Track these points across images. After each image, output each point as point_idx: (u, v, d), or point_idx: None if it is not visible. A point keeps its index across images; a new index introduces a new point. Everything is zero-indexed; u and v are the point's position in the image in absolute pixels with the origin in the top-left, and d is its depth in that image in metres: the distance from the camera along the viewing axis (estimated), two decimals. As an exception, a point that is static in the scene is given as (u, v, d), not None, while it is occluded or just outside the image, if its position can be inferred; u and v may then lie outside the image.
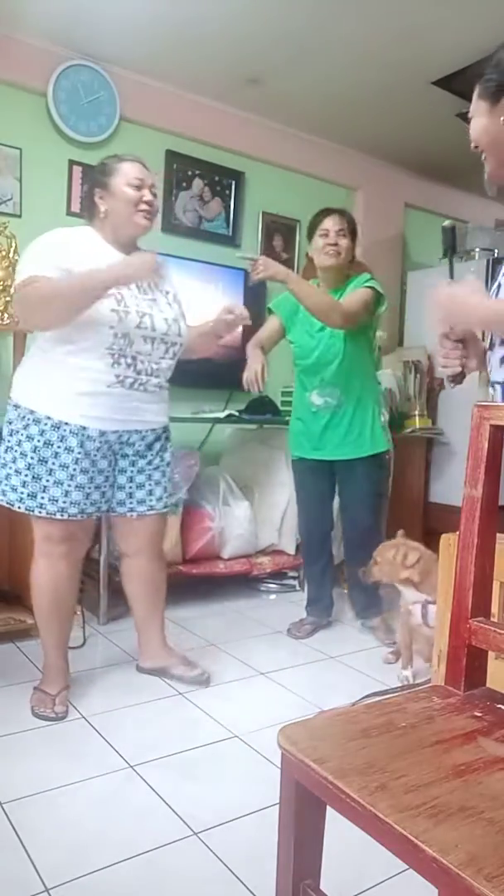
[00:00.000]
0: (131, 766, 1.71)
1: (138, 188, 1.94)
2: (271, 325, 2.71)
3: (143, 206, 1.95)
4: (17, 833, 1.44)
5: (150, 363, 1.98)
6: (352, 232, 2.57)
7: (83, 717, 1.96)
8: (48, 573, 1.97)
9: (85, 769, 1.68)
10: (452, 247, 1.53)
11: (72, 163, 3.23)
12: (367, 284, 2.53)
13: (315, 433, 2.62)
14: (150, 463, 2.10)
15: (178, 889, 1.30)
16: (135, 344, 1.92)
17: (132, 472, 2.08)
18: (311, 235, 2.59)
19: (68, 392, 1.88)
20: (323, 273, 2.59)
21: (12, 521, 2.68)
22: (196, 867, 1.36)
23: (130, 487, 2.08)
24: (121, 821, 1.50)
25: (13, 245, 2.83)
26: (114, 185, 1.94)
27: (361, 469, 2.65)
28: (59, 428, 1.88)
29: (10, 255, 2.82)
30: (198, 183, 3.64)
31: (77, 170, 3.24)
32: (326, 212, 2.57)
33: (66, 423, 1.88)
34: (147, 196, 1.96)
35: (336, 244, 2.51)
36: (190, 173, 3.60)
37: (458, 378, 1.43)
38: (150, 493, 2.11)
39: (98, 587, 2.78)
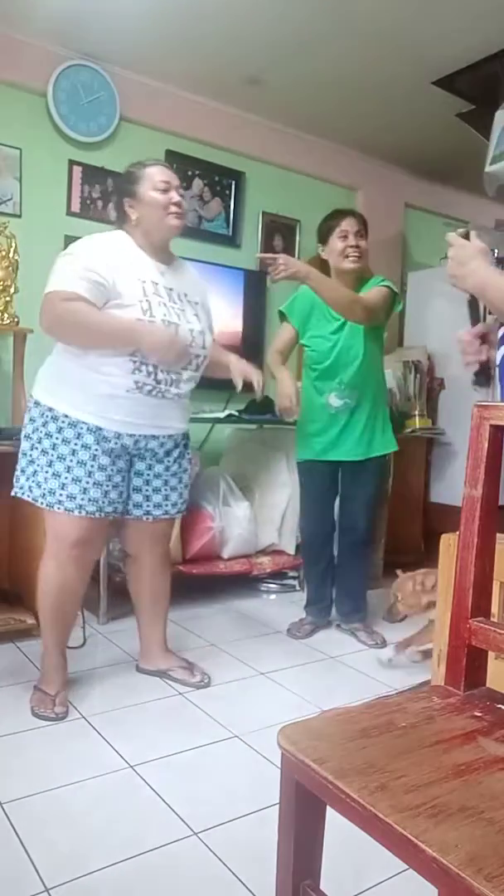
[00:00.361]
0: (131, 766, 1.71)
1: (165, 191, 1.96)
2: (286, 333, 2.65)
3: (173, 209, 1.96)
4: (17, 833, 1.44)
5: (170, 373, 1.97)
6: (366, 232, 2.55)
7: (83, 717, 1.96)
8: (56, 575, 1.96)
9: (85, 769, 1.68)
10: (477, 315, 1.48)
11: (72, 163, 3.23)
12: (383, 284, 2.52)
13: (331, 436, 2.57)
14: (167, 469, 2.10)
15: (178, 889, 1.30)
16: None
17: (149, 475, 2.08)
18: (325, 238, 2.55)
19: (87, 393, 1.89)
20: (341, 276, 2.54)
21: (13, 521, 2.69)
22: (196, 867, 1.36)
23: (147, 491, 2.09)
24: (121, 821, 1.50)
25: (13, 245, 2.82)
26: (141, 192, 1.95)
27: (370, 470, 2.63)
28: (75, 426, 1.89)
29: (10, 255, 2.82)
30: (198, 183, 3.64)
31: (77, 170, 3.25)
32: (341, 213, 2.54)
33: (83, 423, 1.89)
34: (175, 197, 1.97)
35: (358, 246, 2.49)
36: (190, 173, 3.60)
37: (483, 374, 1.42)
38: (167, 497, 2.12)
39: (98, 587, 2.78)
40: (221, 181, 3.71)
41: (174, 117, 3.48)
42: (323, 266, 2.60)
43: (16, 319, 2.81)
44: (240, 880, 1.32)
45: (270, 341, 3.77)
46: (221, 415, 3.21)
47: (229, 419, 3.21)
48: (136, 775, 1.68)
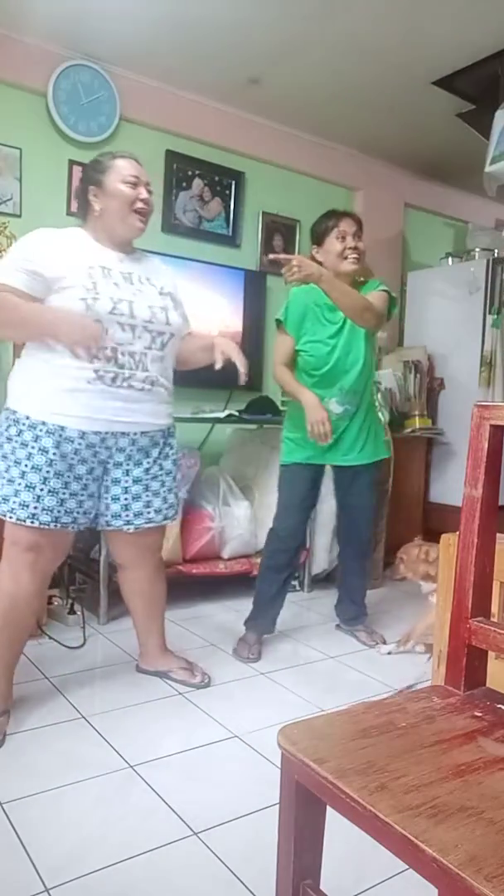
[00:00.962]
0: (131, 766, 1.71)
1: (133, 185, 1.87)
2: (287, 343, 2.50)
3: (139, 205, 1.87)
4: (17, 833, 1.44)
5: (132, 356, 1.85)
6: (362, 233, 2.50)
7: (83, 717, 1.96)
8: (9, 582, 1.83)
9: (85, 769, 1.68)
10: None
11: (72, 163, 3.23)
12: (382, 289, 2.48)
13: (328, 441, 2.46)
14: (147, 472, 1.97)
15: (178, 889, 1.30)
16: (110, 332, 1.80)
17: (127, 482, 1.95)
18: (321, 238, 2.48)
19: (48, 390, 1.79)
20: (338, 278, 2.39)
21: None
22: (196, 867, 1.36)
23: (126, 499, 1.96)
24: (121, 821, 1.50)
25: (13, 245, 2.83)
26: (108, 183, 1.86)
27: (368, 475, 2.59)
28: (34, 428, 1.78)
29: (10, 255, 2.82)
30: (198, 183, 3.64)
31: (77, 170, 3.24)
32: (338, 214, 2.48)
33: (44, 423, 1.78)
34: (143, 194, 1.88)
35: (356, 248, 2.43)
36: (190, 173, 3.60)
37: None
38: (148, 504, 1.99)
39: (98, 587, 2.78)
40: (221, 181, 3.71)
41: (174, 117, 3.48)
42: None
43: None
44: (240, 880, 1.32)
45: (271, 341, 3.79)
46: (221, 415, 3.21)
47: (229, 419, 3.21)
48: (136, 775, 1.68)
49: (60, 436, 1.80)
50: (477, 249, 4.00)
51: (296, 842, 0.91)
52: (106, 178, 1.87)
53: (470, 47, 2.96)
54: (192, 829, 1.47)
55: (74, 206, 3.21)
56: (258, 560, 3.19)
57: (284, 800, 0.91)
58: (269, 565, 2.58)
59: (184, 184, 3.59)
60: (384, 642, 2.62)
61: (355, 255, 2.45)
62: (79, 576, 2.98)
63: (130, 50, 3.11)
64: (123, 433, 1.89)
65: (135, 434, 1.92)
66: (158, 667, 2.24)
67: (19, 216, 3.09)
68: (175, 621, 2.74)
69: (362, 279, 2.57)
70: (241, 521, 3.12)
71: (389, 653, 2.54)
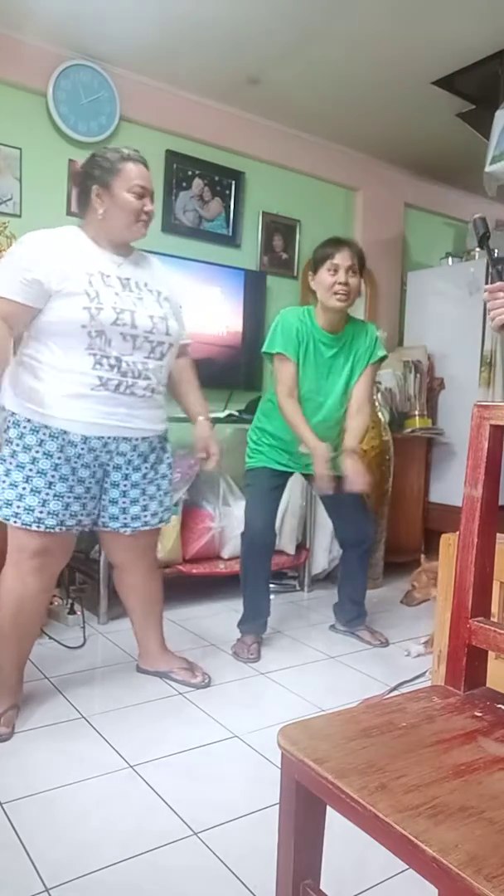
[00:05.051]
0: (131, 766, 1.71)
1: (140, 196, 1.86)
2: (291, 371, 2.39)
3: (143, 217, 1.87)
4: (17, 833, 1.44)
5: (135, 364, 1.86)
6: (361, 268, 2.39)
7: (83, 717, 1.96)
8: (15, 586, 1.85)
9: (85, 769, 1.68)
10: (486, 234, 1.59)
11: (72, 163, 3.23)
12: (380, 356, 2.47)
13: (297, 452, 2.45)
14: (144, 476, 2.00)
15: (177, 889, 1.30)
16: (114, 342, 1.81)
17: (125, 486, 1.97)
18: (317, 266, 2.38)
19: (51, 394, 1.79)
20: (327, 312, 2.39)
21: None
22: (196, 867, 1.36)
23: (124, 502, 1.98)
24: (121, 821, 1.50)
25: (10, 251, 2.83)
26: (115, 188, 1.84)
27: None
28: (38, 432, 1.79)
29: (10, 255, 2.82)
30: (198, 183, 3.63)
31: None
32: (336, 244, 2.36)
33: (47, 427, 1.79)
34: (148, 206, 1.87)
35: (346, 284, 2.32)
36: (190, 173, 3.60)
37: None
38: (145, 508, 2.01)
39: (98, 587, 2.78)
40: (221, 181, 3.71)
41: (174, 117, 3.48)
42: (312, 294, 2.47)
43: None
44: (240, 880, 1.32)
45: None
46: (221, 415, 3.21)
47: (229, 419, 3.21)
48: (136, 775, 1.68)
49: (64, 439, 1.81)
50: (477, 249, 4.00)
51: (296, 842, 0.91)
52: (113, 182, 1.84)
53: (470, 47, 2.96)
54: (192, 829, 1.47)
55: (75, 206, 3.22)
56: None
57: (284, 800, 0.91)
58: (252, 568, 2.56)
59: (184, 184, 3.58)
60: (387, 642, 2.62)
61: (344, 292, 2.33)
62: (79, 576, 2.98)
63: (130, 50, 3.11)
64: (126, 438, 1.92)
65: (136, 440, 1.94)
66: (159, 667, 2.24)
67: (19, 216, 3.08)
68: (175, 621, 2.74)
69: (355, 319, 2.51)
70: (241, 521, 3.11)
71: (419, 655, 2.52)
